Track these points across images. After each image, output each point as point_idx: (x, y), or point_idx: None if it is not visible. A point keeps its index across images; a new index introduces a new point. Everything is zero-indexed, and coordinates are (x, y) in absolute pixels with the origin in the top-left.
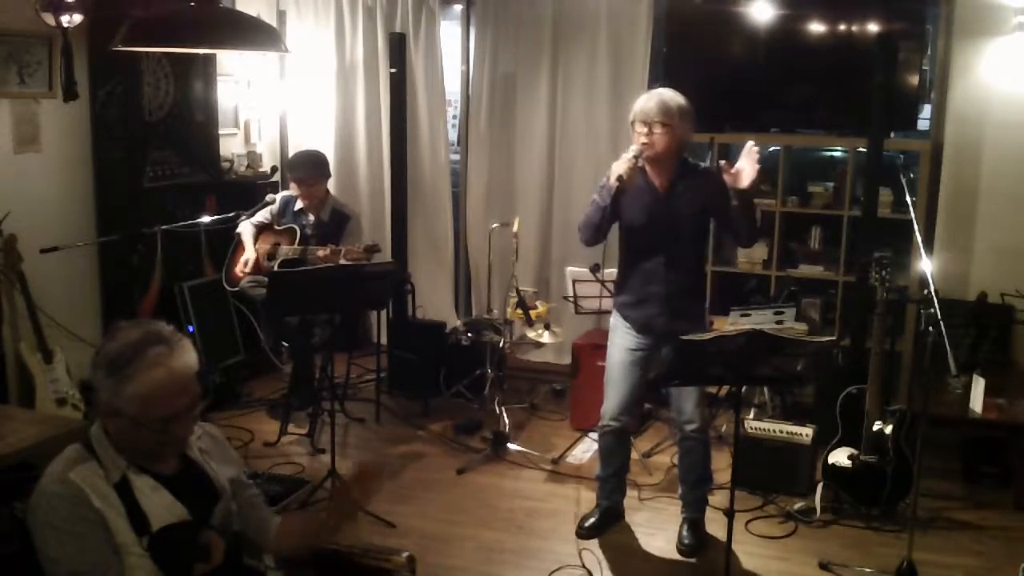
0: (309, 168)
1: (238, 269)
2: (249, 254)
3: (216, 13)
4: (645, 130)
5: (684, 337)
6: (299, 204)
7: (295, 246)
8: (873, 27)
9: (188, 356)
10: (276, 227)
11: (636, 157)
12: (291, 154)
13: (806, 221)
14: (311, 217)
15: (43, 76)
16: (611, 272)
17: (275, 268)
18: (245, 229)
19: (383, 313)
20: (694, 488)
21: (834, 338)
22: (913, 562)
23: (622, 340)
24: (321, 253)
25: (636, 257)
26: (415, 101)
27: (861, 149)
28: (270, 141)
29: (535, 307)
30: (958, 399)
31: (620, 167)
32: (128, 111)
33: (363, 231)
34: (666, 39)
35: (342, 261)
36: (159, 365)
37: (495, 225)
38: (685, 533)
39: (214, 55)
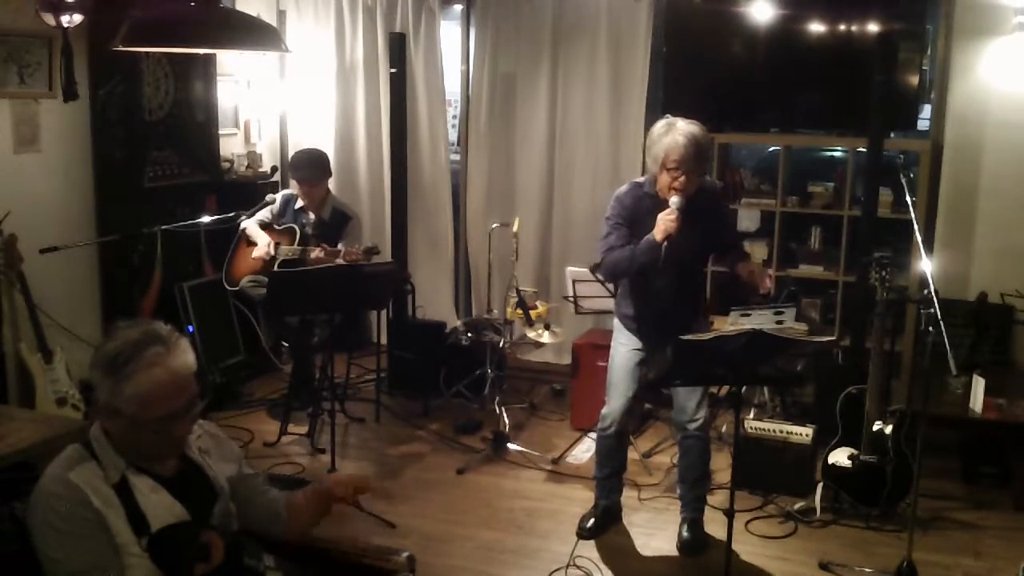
0: (312, 168)
1: (263, 254)
2: (263, 240)
3: (216, 13)
4: (678, 173)
5: (684, 337)
6: (299, 203)
7: (295, 246)
8: (873, 27)
9: (186, 356)
10: (276, 227)
11: (680, 210)
12: (291, 154)
13: (806, 221)
14: (311, 216)
15: (43, 76)
16: None
17: (275, 268)
18: (250, 224)
19: (383, 313)
20: (694, 487)
21: (834, 338)
22: (913, 562)
23: (627, 340)
24: (319, 254)
25: (641, 277)
26: (415, 101)
27: (861, 149)
28: (270, 141)
29: (535, 307)
30: (958, 399)
31: (669, 225)
32: (128, 111)
33: (363, 232)
34: (666, 39)
35: (339, 262)
36: (157, 365)
37: (495, 225)
38: (685, 533)
39: (214, 55)
